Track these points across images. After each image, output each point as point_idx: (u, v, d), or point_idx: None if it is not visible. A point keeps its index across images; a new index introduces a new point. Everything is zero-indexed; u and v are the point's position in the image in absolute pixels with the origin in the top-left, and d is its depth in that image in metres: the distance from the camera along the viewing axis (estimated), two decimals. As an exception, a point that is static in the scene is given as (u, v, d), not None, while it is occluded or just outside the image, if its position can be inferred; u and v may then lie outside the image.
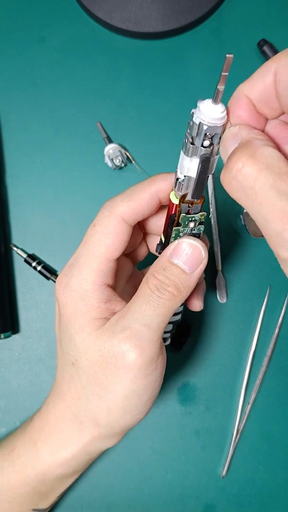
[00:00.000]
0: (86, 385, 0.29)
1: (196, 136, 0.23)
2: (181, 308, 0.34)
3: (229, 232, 0.44)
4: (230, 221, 0.44)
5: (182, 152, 0.25)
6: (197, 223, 0.28)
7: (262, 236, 0.42)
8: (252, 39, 0.46)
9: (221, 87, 0.22)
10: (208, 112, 0.22)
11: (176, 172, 0.26)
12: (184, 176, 0.25)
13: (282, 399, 0.42)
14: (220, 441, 0.42)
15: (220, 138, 0.24)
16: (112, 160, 0.43)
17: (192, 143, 0.24)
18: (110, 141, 0.44)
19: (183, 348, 0.42)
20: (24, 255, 0.43)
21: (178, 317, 0.35)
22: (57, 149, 0.45)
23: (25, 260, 0.43)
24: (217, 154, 0.25)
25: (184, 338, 0.42)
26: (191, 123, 0.23)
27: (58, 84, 0.46)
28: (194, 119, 0.23)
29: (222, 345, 0.43)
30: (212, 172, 0.25)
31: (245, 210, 0.42)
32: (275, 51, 0.45)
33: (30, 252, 0.43)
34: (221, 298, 0.43)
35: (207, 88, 0.46)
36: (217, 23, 0.47)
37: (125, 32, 0.46)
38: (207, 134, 0.23)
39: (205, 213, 0.28)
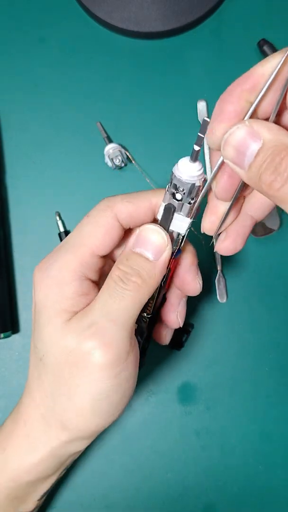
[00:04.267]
0: (53, 384, 0.28)
1: (169, 184, 0.25)
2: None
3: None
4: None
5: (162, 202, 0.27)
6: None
7: (262, 235, 0.42)
8: (252, 39, 0.46)
9: (196, 148, 0.23)
10: (182, 167, 0.24)
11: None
12: (156, 218, 0.27)
13: (282, 399, 0.42)
14: (220, 441, 0.42)
15: (194, 199, 0.25)
16: (112, 160, 0.43)
17: (174, 197, 0.25)
18: (110, 141, 0.44)
19: (183, 348, 0.42)
20: (62, 229, 0.43)
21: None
22: (57, 149, 0.45)
23: (59, 234, 0.43)
24: (188, 216, 0.26)
25: (184, 338, 0.42)
26: (173, 177, 0.25)
27: (58, 84, 0.46)
28: (173, 168, 0.25)
29: (222, 345, 0.43)
30: (181, 232, 0.27)
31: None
32: (275, 51, 0.44)
33: (31, 251, 0.44)
34: (221, 298, 0.43)
35: (207, 88, 0.46)
36: (217, 23, 0.47)
37: (125, 32, 0.46)
38: (178, 186, 0.25)
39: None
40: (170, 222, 0.27)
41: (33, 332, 0.29)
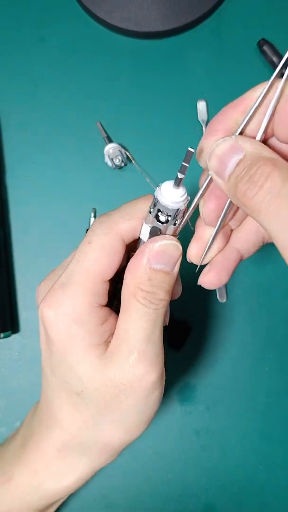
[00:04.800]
0: (96, 415, 0.28)
1: (153, 206, 0.25)
2: None
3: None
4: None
5: (144, 221, 0.27)
6: None
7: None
8: (252, 38, 0.46)
9: (181, 175, 0.23)
10: (165, 192, 0.24)
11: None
12: (140, 238, 0.27)
13: (282, 399, 0.42)
14: (220, 441, 0.42)
15: (178, 222, 0.25)
16: (112, 159, 0.43)
17: (157, 219, 0.25)
18: (110, 141, 0.44)
19: (183, 348, 0.42)
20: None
21: None
22: (57, 149, 0.45)
23: (87, 230, 0.43)
24: (173, 235, 0.26)
25: (183, 338, 0.42)
26: (156, 201, 0.25)
27: (58, 84, 0.46)
28: (155, 192, 0.25)
29: (222, 345, 0.43)
30: None
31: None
32: (275, 51, 0.45)
33: (31, 251, 0.43)
34: (221, 298, 0.43)
35: (207, 88, 0.46)
36: (217, 22, 0.47)
37: (125, 32, 0.46)
38: (162, 210, 0.25)
39: None
40: None
41: (54, 369, 0.29)
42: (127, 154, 0.44)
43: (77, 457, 0.30)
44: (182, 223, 0.26)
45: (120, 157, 0.43)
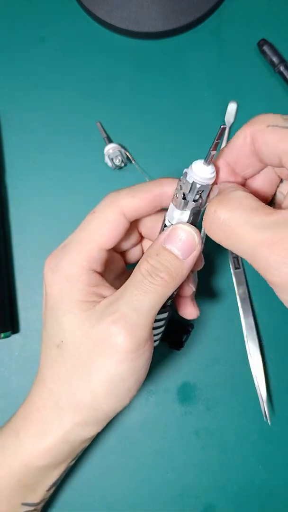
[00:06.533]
0: (70, 368, 0.29)
1: (189, 192, 0.26)
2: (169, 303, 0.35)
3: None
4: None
5: (172, 205, 0.28)
6: None
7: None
8: (252, 38, 0.46)
9: (213, 152, 0.25)
10: (200, 173, 0.26)
11: (164, 219, 0.29)
12: (171, 224, 0.28)
13: (282, 399, 0.42)
14: (220, 441, 0.42)
15: (208, 192, 0.27)
16: (112, 160, 0.43)
17: (184, 198, 0.27)
18: (110, 141, 0.44)
19: (183, 348, 0.42)
20: None
21: (165, 315, 0.35)
22: (57, 149, 0.45)
23: None
24: (204, 206, 0.28)
25: (184, 338, 0.42)
26: (184, 181, 0.26)
27: (58, 84, 0.46)
28: (187, 178, 0.26)
29: (222, 345, 0.43)
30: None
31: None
32: (275, 51, 0.45)
33: (31, 251, 0.44)
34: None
35: (207, 88, 0.46)
36: (217, 22, 0.47)
37: (125, 32, 0.46)
38: (199, 191, 0.26)
39: None
40: (198, 221, 0.28)
41: (45, 323, 0.30)
42: (127, 154, 0.44)
43: (52, 418, 0.30)
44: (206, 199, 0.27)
45: (120, 157, 0.43)
